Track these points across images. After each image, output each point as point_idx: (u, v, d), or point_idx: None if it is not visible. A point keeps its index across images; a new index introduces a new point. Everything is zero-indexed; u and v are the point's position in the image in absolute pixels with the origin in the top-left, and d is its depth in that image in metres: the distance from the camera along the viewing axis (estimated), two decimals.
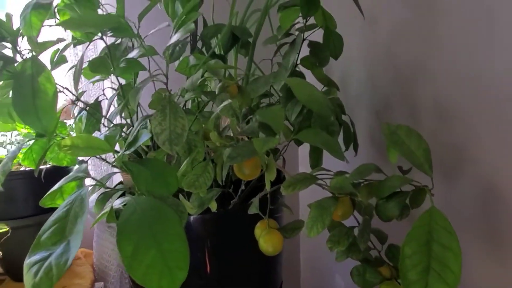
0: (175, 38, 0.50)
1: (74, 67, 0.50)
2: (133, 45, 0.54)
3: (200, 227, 0.61)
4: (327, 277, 1.04)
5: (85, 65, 0.59)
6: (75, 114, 0.61)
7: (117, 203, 0.51)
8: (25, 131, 0.56)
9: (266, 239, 0.49)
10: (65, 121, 0.72)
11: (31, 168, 0.84)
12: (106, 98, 0.66)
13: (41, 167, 0.82)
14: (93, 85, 0.80)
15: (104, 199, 0.43)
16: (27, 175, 0.83)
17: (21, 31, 0.47)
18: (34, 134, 0.58)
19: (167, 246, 0.34)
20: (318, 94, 0.53)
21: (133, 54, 0.48)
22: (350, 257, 0.53)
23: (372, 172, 0.47)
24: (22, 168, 0.85)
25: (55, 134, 0.55)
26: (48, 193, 0.42)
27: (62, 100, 0.70)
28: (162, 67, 0.53)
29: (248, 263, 0.66)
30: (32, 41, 0.49)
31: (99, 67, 0.50)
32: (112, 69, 0.49)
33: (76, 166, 0.50)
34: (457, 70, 0.52)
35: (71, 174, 0.41)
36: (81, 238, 0.31)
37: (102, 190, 0.49)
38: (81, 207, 0.33)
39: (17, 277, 0.90)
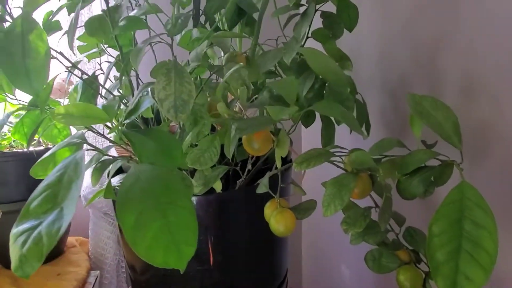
0: None
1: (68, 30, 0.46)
2: (132, 9, 0.50)
3: (204, 208, 0.58)
4: (330, 266, 1.01)
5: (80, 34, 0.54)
6: (70, 88, 0.57)
7: (115, 180, 0.47)
8: (16, 103, 0.52)
9: (278, 219, 0.45)
10: (59, 100, 0.67)
11: (23, 150, 0.79)
12: (104, 73, 0.62)
13: (33, 149, 0.77)
14: (89, 61, 0.76)
15: (102, 168, 0.39)
16: (19, 157, 0.78)
17: None
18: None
19: (174, 219, 0.31)
20: (334, 64, 0.49)
21: (134, 12, 0.44)
22: (365, 241, 0.50)
23: (394, 147, 0.44)
24: (14, 150, 0.81)
25: (47, 108, 0.51)
26: (39, 161, 0.38)
27: (58, 78, 0.65)
28: (164, 36, 0.49)
29: (254, 248, 0.63)
30: None
31: (97, 29, 0.45)
32: (111, 34, 0.44)
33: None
34: (482, 44, 0.49)
35: (65, 140, 0.37)
36: (76, 204, 0.27)
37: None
38: (76, 171, 0.29)
39: (9, 264, 0.85)
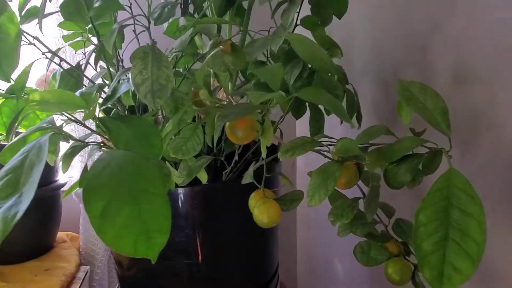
0: None
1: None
2: None
3: (189, 201, 0.56)
4: (324, 261, 1.00)
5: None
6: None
7: None
8: None
9: (262, 209, 0.44)
10: None
11: (2, 143, 0.78)
12: (89, 63, 0.61)
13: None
14: (75, 52, 0.74)
15: (72, 153, 0.38)
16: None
17: None
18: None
19: (146, 206, 0.29)
20: (321, 51, 0.48)
21: None
22: (353, 232, 0.48)
23: (382, 134, 0.42)
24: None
25: (25, 96, 0.50)
26: (8, 145, 0.36)
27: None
28: (142, 19, 0.47)
29: (242, 242, 0.61)
30: None
31: (73, 13, 0.44)
32: (86, 16, 0.43)
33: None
34: (475, 32, 0.47)
35: (35, 125, 0.35)
36: (35, 189, 0.26)
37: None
38: (38, 155, 0.27)
39: None
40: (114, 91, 0.39)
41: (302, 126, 1.05)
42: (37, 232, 0.87)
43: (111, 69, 0.52)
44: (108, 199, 0.29)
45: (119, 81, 0.41)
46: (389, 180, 0.41)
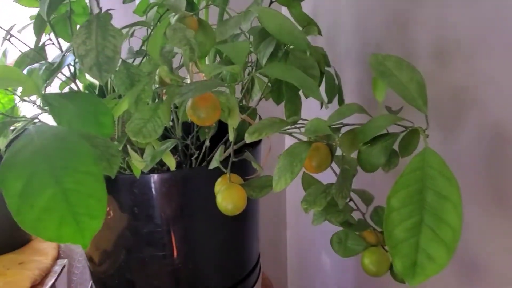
0: None
1: None
2: None
3: (158, 189, 0.53)
4: (313, 255, 0.96)
5: None
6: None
7: None
8: None
9: (225, 195, 0.40)
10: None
11: None
12: (53, 43, 0.57)
13: None
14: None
15: (1, 129, 0.34)
16: None
17: None
18: None
19: (73, 186, 0.26)
20: (291, 25, 0.44)
21: None
22: (328, 220, 0.45)
23: (355, 112, 0.39)
24: None
25: None
26: None
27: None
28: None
29: (216, 232, 0.58)
30: None
31: None
32: None
33: None
34: (455, 8, 0.43)
35: None
36: None
37: None
38: None
39: None
40: (60, 63, 0.36)
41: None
42: (12, 224, 0.84)
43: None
44: (27, 177, 0.25)
45: (64, 54, 0.37)
46: (362, 163, 0.38)
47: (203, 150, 0.54)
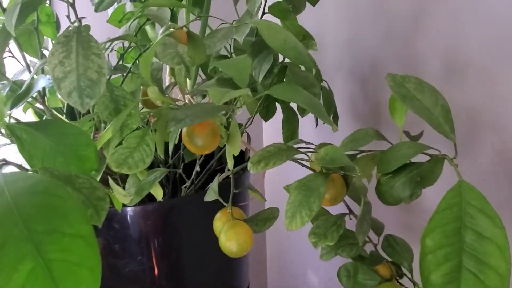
0: None
1: None
2: None
3: (142, 222, 0.47)
4: (297, 273, 0.92)
5: None
6: None
7: None
8: None
9: (230, 235, 0.35)
10: None
11: None
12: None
13: None
14: None
15: None
16: None
17: None
18: None
19: (58, 256, 0.20)
20: (295, 40, 0.40)
21: None
22: (338, 254, 0.41)
23: (373, 139, 0.35)
24: None
25: None
26: None
27: None
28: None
29: (207, 265, 0.52)
30: None
31: None
32: None
33: None
34: (468, 17, 0.41)
35: None
36: None
37: None
38: None
39: None
40: (29, 87, 0.29)
41: (270, 129, 0.97)
42: None
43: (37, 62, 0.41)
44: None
45: (42, 73, 0.31)
46: (383, 195, 0.34)
47: (192, 176, 0.49)
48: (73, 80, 0.27)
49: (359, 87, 0.62)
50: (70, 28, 0.29)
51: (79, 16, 0.51)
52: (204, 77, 0.60)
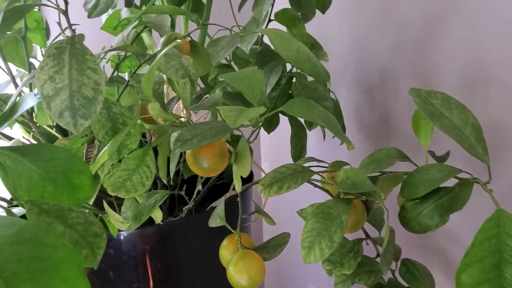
0: None
1: None
2: None
3: (139, 246, 0.43)
4: (295, 286, 0.89)
5: None
6: None
7: None
8: None
9: (240, 268, 0.32)
10: None
11: None
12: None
13: None
14: None
15: None
16: None
17: None
18: None
19: None
20: (308, 51, 0.37)
21: None
22: (355, 283, 0.38)
23: (396, 161, 0.32)
24: None
25: None
26: None
27: None
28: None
29: None
30: None
31: None
32: None
33: None
34: (488, 26, 0.39)
35: None
36: None
37: None
38: None
39: None
40: (14, 107, 0.26)
41: (267, 136, 0.94)
42: None
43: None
44: None
45: (29, 90, 0.27)
46: (408, 223, 0.31)
47: (193, 196, 0.45)
48: (65, 98, 0.24)
49: (366, 98, 0.59)
50: (63, 39, 0.25)
51: (71, 22, 0.47)
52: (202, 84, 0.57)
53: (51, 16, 0.50)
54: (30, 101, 0.26)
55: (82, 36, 0.27)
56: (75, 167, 0.27)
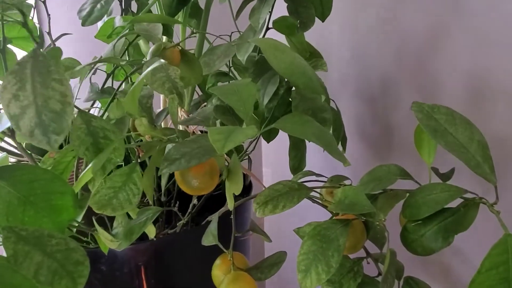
0: None
1: None
2: None
3: (132, 262, 0.42)
4: None
5: None
6: None
7: None
8: None
9: None
10: None
11: None
12: None
13: None
14: None
15: None
16: None
17: None
18: None
19: None
20: (303, 63, 0.35)
21: None
22: None
23: (397, 179, 0.30)
24: None
25: None
26: None
27: None
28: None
29: None
30: None
31: None
32: None
33: None
34: (494, 34, 0.37)
35: None
36: None
37: None
38: None
39: None
40: None
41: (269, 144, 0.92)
42: None
43: None
44: None
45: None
46: (410, 245, 0.30)
47: (189, 210, 0.44)
48: (32, 115, 0.22)
49: (367, 107, 0.57)
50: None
51: (63, 32, 0.46)
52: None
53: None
54: (5, 121, 0.25)
55: (57, 50, 0.25)
56: (57, 189, 0.26)
